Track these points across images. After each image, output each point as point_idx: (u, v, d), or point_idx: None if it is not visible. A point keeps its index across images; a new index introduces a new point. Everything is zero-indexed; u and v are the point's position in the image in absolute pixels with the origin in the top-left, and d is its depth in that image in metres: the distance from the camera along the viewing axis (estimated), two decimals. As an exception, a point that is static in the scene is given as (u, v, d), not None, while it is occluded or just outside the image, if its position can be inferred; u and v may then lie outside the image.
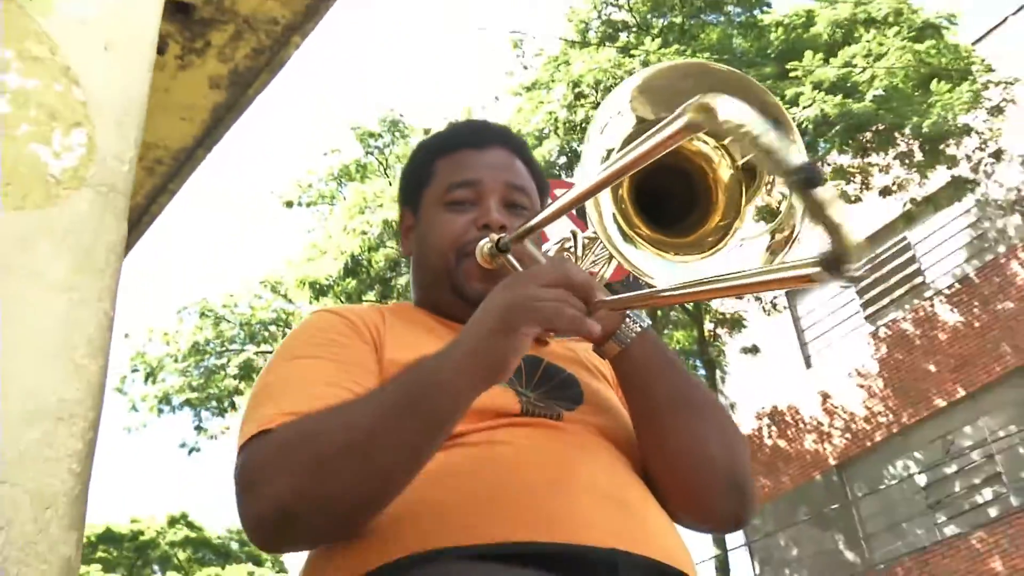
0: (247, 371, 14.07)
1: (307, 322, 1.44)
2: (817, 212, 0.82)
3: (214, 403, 14.81)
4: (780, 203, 1.24)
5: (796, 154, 0.83)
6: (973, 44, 13.73)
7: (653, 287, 1.27)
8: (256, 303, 14.63)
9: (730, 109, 0.86)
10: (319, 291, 12.74)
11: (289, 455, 1.13)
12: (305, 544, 1.23)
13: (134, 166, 1.23)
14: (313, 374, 1.28)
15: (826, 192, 0.81)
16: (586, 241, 1.55)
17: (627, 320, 1.34)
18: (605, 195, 1.30)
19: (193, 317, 14.90)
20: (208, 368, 14.55)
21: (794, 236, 1.23)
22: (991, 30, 15.28)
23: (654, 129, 0.99)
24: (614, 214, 1.29)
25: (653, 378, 1.34)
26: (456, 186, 1.52)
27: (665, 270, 1.29)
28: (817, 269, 0.87)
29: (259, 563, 30.59)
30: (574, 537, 1.12)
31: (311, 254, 13.41)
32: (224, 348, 14.55)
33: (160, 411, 14.66)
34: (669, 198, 1.31)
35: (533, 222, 1.35)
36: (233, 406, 14.87)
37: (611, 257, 1.42)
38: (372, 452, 1.10)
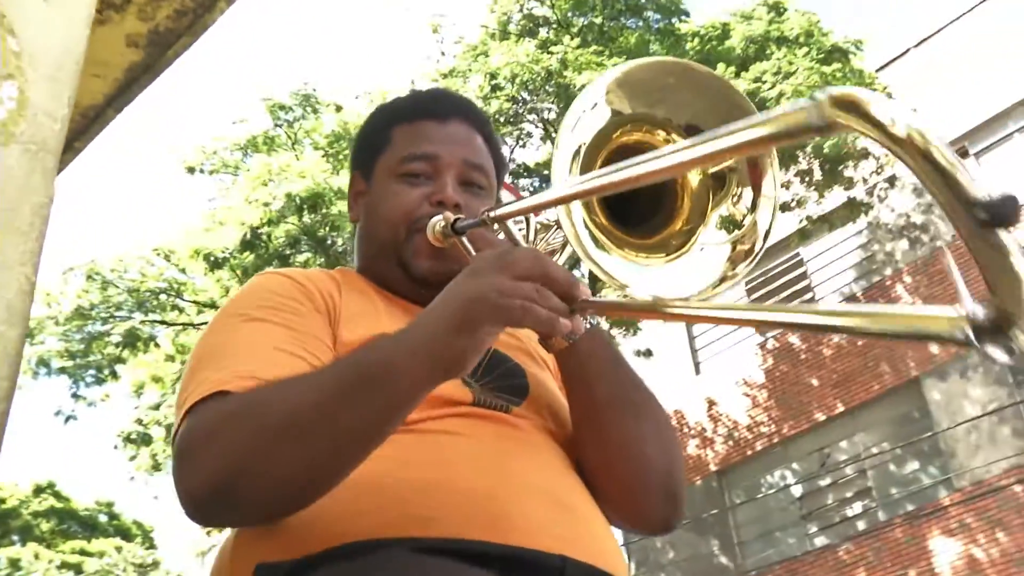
0: (132, 339, 13.64)
1: (255, 283, 1.36)
2: (994, 260, 0.64)
3: (94, 370, 14.35)
4: (744, 216, 1.20)
5: (981, 183, 0.63)
6: (876, 72, 14.20)
7: (629, 294, 1.18)
8: (148, 270, 14.17)
9: (888, 109, 0.65)
10: (214, 263, 12.43)
11: (234, 426, 1.07)
12: (239, 521, 1.17)
13: (66, 125, 1.16)
14: (265, 337, 1.21)
15: (1012, 238, 0.62)
16: (538, 226, 1.51)
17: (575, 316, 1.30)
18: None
19: (79, 279, 14.37)
20: (91, 334, 14.04)
21: (756, 252, 1.19)
22: (893, 60, 15.80)
23: (736, 125, 0.82)
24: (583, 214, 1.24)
25: (598, 376, 1.31)
26: (413, 158, 1.46)
27: (627, 269, 1.21)
28: (965, 327, 0.67)
29: (128, 537, 29.82)
30: (526, 540, 1.11)
31: (209, 224, 13.08)
32: (110, 315, 14.07)
33: (36, 374, 14.13)
34: (634, 197, 1.25)
35: (497, 212, 1.29)
36: (114, 375, 14.43)
37: (565, 244, 1.39)
38: (321, 433, 1.04)
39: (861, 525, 13.76)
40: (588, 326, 1.30)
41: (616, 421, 1.29)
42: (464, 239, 1.35)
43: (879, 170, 12.91)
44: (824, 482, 14.35)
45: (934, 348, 13.72)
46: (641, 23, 13.21)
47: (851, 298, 15.21)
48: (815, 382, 14.93)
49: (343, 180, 11.58)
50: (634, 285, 1.17)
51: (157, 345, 14.13)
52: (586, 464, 1.32)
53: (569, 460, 1.30)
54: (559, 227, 1.36)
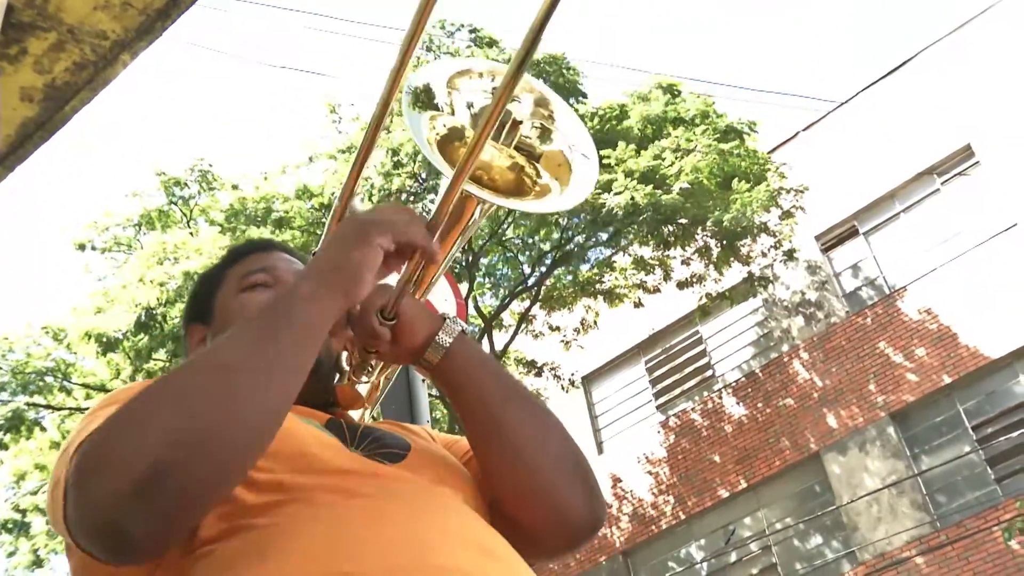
0: (16, 422, 12.90)
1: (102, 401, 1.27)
2: None
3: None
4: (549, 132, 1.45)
5: None
6: (769, 152, 14.65)
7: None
8: (34, 350, 13.53)
9: None
10: (107, 345, 11.91)
11: (149, 410, 0.99)
12: (176, 515, 1.00)
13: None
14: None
15: None
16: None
17: (444, 323, 1.32)
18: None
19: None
20: (-32, 417, 13.27)
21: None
22: (785, 142, 16.35)
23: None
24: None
25: (479, 376, 1.31)
26: (252, 272, 1.50)
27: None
28: None
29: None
30: None
31: (101, 303, 12.58)
32: (-9, 398, 13.36)
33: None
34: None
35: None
36: (-2, 460, 13.67)
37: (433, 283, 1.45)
38: (252, 370, 1.03)
39: (768, 603, 13.76)
40: (457, 330, 1.32)
41: (511, 416, 1.29)
42: None
43: (776, 244, 13.23)
44: (730, 559, 14.33)
45: (832, 423, 13.98)
46: (541, 104, 13.35)
47: (750, 375, 15.41)
48: (717, 458, 15.01)
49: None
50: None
51: (43, 429, 13.44)
52: (495, 476, 1.30)
53: (475, 507, 1.25)
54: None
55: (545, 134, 1.45)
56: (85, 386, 13.38)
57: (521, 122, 1.42)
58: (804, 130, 16.39)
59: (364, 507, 1.12)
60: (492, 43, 13.40)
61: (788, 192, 13.09)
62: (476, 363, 1.32)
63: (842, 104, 16.15)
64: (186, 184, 13.56)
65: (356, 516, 1.10)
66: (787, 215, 13.02)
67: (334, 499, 1.11)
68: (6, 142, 3.22)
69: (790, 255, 13.19)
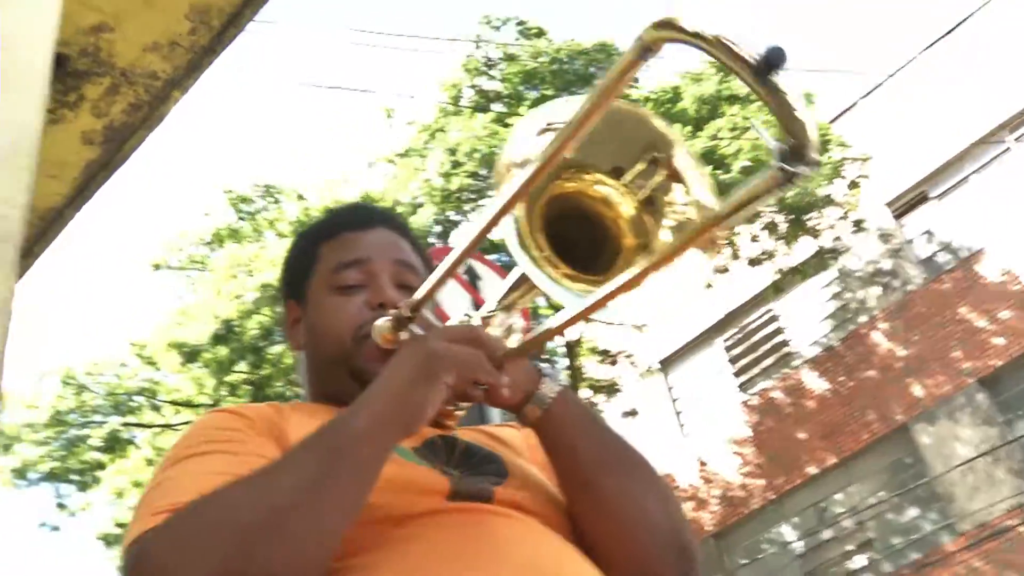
0: (112, 443, 13.34)
1: (196, 424, 1.31)
2: (780, 101, 0.81)
3: (76, 476, 14.00)
4: (686, 218, 1.27)
5: (751, 45, 0.82)
6: (830, 123, 14.39)
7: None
8: (122, 371, 13.96)
9: (692, 21, 0.87)
10: (189, 355, 12.22)
11: (206, 531, 1.00)
12: None
13: (27, 212, 1.07)
14: (205, 467, 1.15)
15: (787, 82, 0.81)
16: (485, 317, 1.48)
17: (544, 381, 1.29)
18: (521, 238, 1.27)
19: (54, 384, 14.15)
20: (69, 440, 13.75)
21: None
22: (844, 111, 16.01)
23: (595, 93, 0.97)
24: (535, 258, 1.25)
25: (579, 437, 1.29)
26: (344, 267, 1.46)
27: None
28: (777, 169, 0.84)
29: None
30: None
31: (180, 320, 12.92)
32: (88, 420, 13.82)
33: (16, 484, 13.76)
34: (577, 244, 1.30)
35: (432, 280, 1.28)
36: (96, 481, 14.08)
37: (510, 330, 1.40)
38: (302, 515, 1.01)
39: (866, 578, 13.54)
40: (557, 388, 1.29)
41: (608, 481, 1.26)
42: (413, 327, 1.34)
43: (844, 216, 13.00)
44: (825, 537, 14.14)
45: (918, 392, 13.70)
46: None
47: (829, 349, 15.16)
48: (803, 435, 14.81)
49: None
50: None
51: (137, 447, 13.85)
52: (587, 536, 1.26)
53: (565, 537, 1.23)
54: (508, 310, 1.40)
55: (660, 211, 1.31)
56: (172, 403, 13.72)
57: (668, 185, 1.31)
58: (863, 98, 16.03)
59: (453, 550, 1.12)
60: (540, 34, 13.38)
61: (852, 162, 12.84)
62: (571, 423, 1.29)
63: (901, 68, 15.75)
64: (252, 200, 13.81)
65: (443, 559, 1.11)
66: (853, 185, 12.77)
67: (421, 544, 1.12)
68: (73, 185, 3.32)
69: (859, 225, 12.93)
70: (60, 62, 2.95)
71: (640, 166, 1.29)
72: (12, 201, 1.03)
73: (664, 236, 1.28)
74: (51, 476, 13.63)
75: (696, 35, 0.85)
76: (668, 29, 0.88)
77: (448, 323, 1.50)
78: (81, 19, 2.86)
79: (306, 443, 1.09)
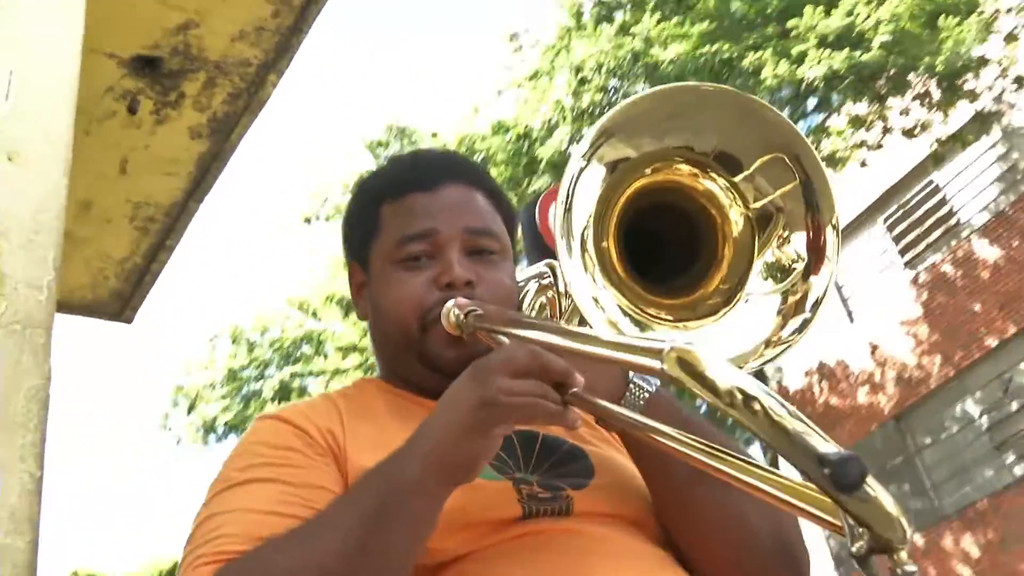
0: (284, 392, 14.00)
1: (252, 433, 1.26)
2: (856, 512, 0.70)
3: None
4: (794, 262, 1.05)
5: (822, 441, 0.68)
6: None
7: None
8: (286, 324, 14.61)
9: (719, 370, 0.73)
10: (348, 307, 12.61)
11: None
12: None
13: (54, 290, 1.07)
14: (255, 502, 1.11)
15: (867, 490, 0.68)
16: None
17: (633, 383, 1.19)
18: (587, 244, 1.14)
19: (226, 344, 14.92)
20: (244, 396, 14.52)
21: (810, 305, 1.11)
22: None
23: (619, 341, 0.88)
24: (595, 267, 1.13)
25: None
26: (408, 239, 1.32)
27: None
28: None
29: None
30: None
31: (335, 270, 13.32)
32: (260, 374, 14.55)
33: (205, 440, 14.62)
34: (664, 246, 1.17)
35: (503, 329, 1.16)
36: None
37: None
38: (354, 571, 0.98)
39: (1062, 446, 12.98)
40: (650, 393, 1.19)
41: (703, 494, 1.15)
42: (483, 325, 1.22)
43: (1003, 74, 12.13)
44: (1011, 408, 13.57)
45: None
46: (717, -17, 12.69)
47: (999, 214, 14.33)
48: (978, 307, 14.15)
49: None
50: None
51: (309, 395, 14.47)
52: (683, 547, 1.19)
53: (653, 540, 1.17)
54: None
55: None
56: (339, 348, 14.22)
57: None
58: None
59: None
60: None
61: (1008, 13, 11.91)
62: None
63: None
64: (387, 144, 13.92)
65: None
66: (1011, 38, 11.87)
67: (495, 564, 1.09)
68: (189, 179, 3.40)
69: (1021, 82, 12.04)
70: (155, 64, 3.00)
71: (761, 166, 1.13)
72: (37, 283, 1.02)
73: (758, 269, 1.13)
74: (233, 429, 14.40)
75: (719, 394, 0.73)
76: (685, 371, 0.77)
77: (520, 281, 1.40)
78: (166, 20, 2.89)
79: (356, 493, 1.05)
